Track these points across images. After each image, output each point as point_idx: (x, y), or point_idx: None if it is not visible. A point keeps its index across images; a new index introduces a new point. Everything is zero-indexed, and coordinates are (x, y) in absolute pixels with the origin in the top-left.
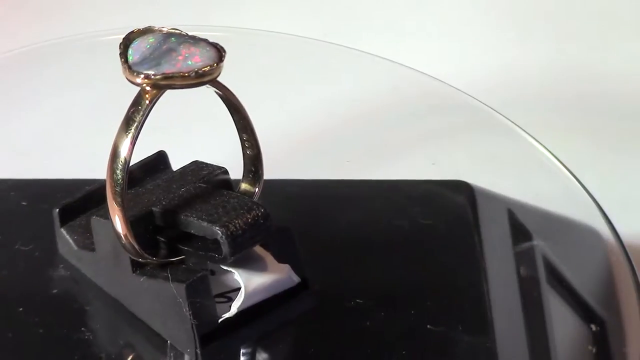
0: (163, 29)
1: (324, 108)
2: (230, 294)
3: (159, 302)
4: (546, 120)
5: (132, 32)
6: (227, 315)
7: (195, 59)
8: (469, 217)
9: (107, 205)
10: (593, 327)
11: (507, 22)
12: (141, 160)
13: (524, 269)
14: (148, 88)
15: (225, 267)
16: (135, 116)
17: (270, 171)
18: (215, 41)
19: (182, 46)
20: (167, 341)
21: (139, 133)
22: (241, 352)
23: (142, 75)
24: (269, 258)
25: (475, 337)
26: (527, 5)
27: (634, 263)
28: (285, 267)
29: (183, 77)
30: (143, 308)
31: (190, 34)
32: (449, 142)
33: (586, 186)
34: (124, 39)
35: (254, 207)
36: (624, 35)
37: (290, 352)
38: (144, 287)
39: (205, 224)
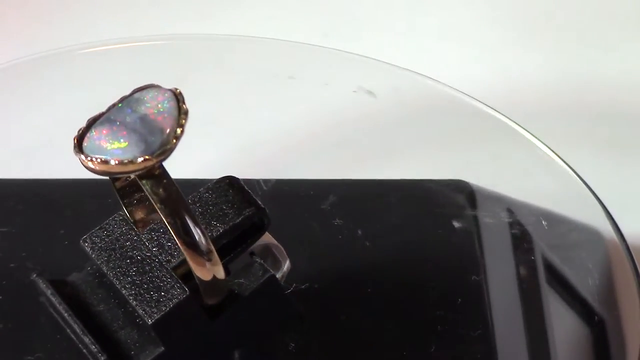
0: (94, 125)
1: (324, 110)
2: None
3: (256, 313)
4: (547, 121)
5: (76, 142)
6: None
7: (169, 103)
8: (469, 217)
9: (196, 273)
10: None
11: (508, 23)
12: None
13: (524, 269)
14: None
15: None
16: (169, 191)
17: (271, 171)
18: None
19: (142, 110)
20: None
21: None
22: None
23: (159, 152)
24: None
25: (475, 337)
26: (528, 7)
27: (636, 263)
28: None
29: (184, 118)
30: (241, 332)
31: (116, 103)
32: (449, 142)
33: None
34: (79, 153)
35: (227, 181)
36: (626, 35)
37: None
38: (239, 316)
39: (239, 220)
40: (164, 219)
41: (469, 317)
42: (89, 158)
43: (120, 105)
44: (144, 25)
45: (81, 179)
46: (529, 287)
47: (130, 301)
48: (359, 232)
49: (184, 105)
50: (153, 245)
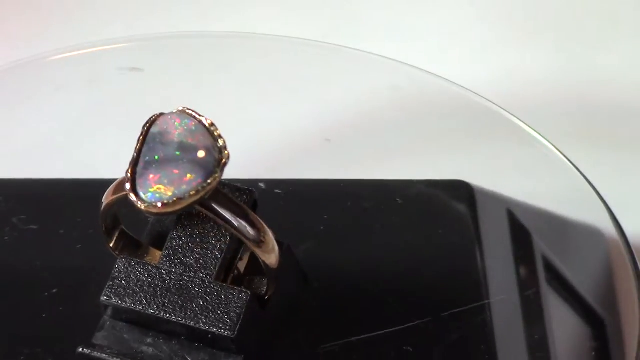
0: (137, 174)
1: (324, 108)
2: None
3: (283, 285)
4: (548, 119)
5: (135, 198)
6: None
7: (190, 121)
8: (469, 217)
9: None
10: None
11: (509, 21)
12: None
13: (524, 269)
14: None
15: None
16: (227, 203)
17: (272, 171)
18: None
19: (172, 139)
20: None
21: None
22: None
23: (219, 168)
24: None
25: (475, 337)
26: (529, 6)
27: (637, 263)
28: None
29: (216, 129)
30: (279, 308)
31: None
32: (449, 141)
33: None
34: (143, 203)
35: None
36: (626, 34)
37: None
38: (276, 295)
39: (241, 201)
40: (236, 231)
41: (468, 317)
42: (158, 204)
43: (148, 145)
44: (143, 24)
45: (81, 179)
46: (529, 287)
47: (199, 327)
48: (358, 232)
49: (206, 119)
50: (179, 269)
